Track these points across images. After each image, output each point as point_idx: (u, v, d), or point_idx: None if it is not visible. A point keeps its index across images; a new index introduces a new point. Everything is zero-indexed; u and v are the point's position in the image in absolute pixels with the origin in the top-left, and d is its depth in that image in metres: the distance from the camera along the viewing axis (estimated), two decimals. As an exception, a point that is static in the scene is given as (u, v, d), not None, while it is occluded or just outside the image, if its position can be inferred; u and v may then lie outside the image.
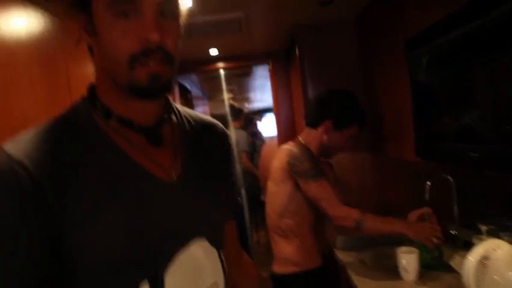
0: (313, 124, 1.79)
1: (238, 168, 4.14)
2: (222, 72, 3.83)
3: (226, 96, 4.52)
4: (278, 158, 1.79)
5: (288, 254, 1.77)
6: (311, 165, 1.67)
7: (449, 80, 1.18)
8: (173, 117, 0.81)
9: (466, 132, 1.11)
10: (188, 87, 3.93)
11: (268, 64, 3.13)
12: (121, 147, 0.68)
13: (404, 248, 1.59)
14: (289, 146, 1.77)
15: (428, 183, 1.82)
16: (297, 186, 1.70)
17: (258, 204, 4.43)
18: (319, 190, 1.65)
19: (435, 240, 1.54)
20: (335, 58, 2.27)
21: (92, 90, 0.72)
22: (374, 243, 1.96)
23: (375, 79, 2.03)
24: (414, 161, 1.53)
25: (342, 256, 1.93)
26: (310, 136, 1.80)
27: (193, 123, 0.85)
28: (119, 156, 0.67)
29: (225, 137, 0.91)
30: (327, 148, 1.79)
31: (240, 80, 4.69)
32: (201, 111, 4.91)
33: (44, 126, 0.66)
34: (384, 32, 1.82)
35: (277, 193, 1.76)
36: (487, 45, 0.95)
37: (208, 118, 0.91)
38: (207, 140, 0.85)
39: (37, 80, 1.17)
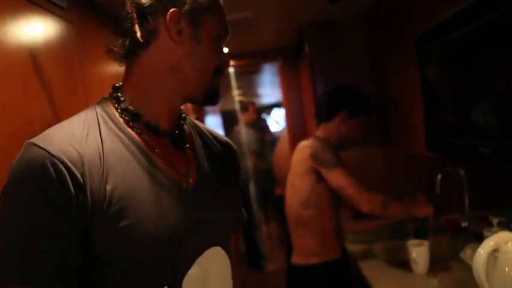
0: (328, 117, 1.87)
1: (249, 166, 4.19)
2: (231, 70, 3.85)
3: (235, 93, 4.54)
4: (299, 152, 1.86)
5: (309, 245, 1.82)
6: (333, 154, 1.73)
7: (460, 74, 1.19)
8: (186, 127, 0.87)
9: (476, 127, 1.12)
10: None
11: (278, 61, 3.15)
12: (145, 149, 0.72)
13: (414, 241, 1.61)
14: (309, 142, 1.84)
15: (439, 176, 1.84)
16: (319, 179, 1.76)
17: (268, 198, 4.47)
18: (344, 178, 1.69)
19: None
20: (344, 54, 2.28)
21: (115, 92, 0.78)
22: (384, 236, 1.99)
23: (385, 73, 2.04)
24: (425, 154, 1.55)
25: (353, 249, 1.95)
26: (328, 130, 1.87)
27: (204, 136, 0.90)
28: (145, 158, 0.71)
29: (233, 153, 0.96)
30: (344, 139, 1.86)
31: (249, 76, 4.71)
32: (211, 108, 4.94)
33: (72, 126, 0.69)
34: (393, 27, 1.82)
35: (300, 185, 1.82)
36: (499, 40, 0.96)
37: (219, 133, 0.97)
38: (216, 153, 0.90)
39: (55, 84, 1.21)
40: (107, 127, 0.71)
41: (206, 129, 0.93)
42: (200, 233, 0.74)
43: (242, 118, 4.45)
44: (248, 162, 4.23)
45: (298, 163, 1.85)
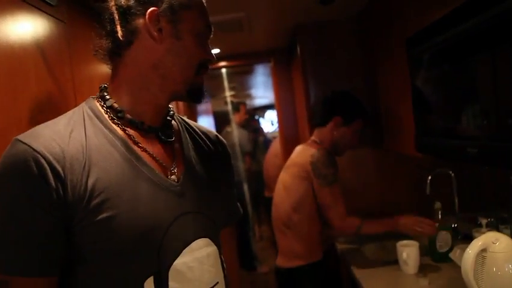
0: (322, 122, 1.88)
1: (241, 168, 4.18)
2: (223, 70, 3.85)
3: (228, 93, 4.53)
4: (300, 156, 1.86)
5: (294, 247, 1.82)
6: (332, 170, 1.76)
7: (450, 76, 1.20)
8: (174, 123, 0.89)
9: (465, 128, 1.13)
10: (191, 85, 3.95)
11: (270, 62, 3.15)
12: (131, 145, 0.75)
13: (404, 242, 1.62)
14: (312, 148, 1.82)
15: (429, 177, 1.85)
16: (313, 186, 1.78)
17: (260, 200, 4.47)
18: (331, 198, 1.74)
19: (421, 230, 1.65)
20: (336, 56, 2.29)
21: (102, 92, 0.80)
22: (375, 237, 2.00)
23: (376, 75, 2.05)
24: (416, 155, 1.56)
25: (343, 249, 1.96)
26: (322, 135, 1.88)
27: (192, 131, 0.91)
28: (129, 154, 0.73)
29: (223, 148, 0.97)
30: (337, 145, 1.87)
31: (241, 77, 4.71)
32: (203, 109, 4.93)
33: (57, 123, 0.73)
34: (384, 29, 1.84)
35: (295, 188, 1.82)
36: (488, 42, 0.97)
37: (207, 128, 0.99)
38: (205, 148, 0.91)
39: (44, 84, 1.20)
40: (92, 124, 0.74)
41: (195, 126, 0.95)
42: (186, 224, 0.76)
43: (234, 119, 4.45)
44: (241, 164, 4.22)
45: (296, 166, 1.84)
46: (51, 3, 1.24)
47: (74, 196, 0.65)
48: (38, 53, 1.19)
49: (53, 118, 0.76)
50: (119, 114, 0.77)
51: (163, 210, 0.73)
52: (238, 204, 1.02)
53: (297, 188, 1.80)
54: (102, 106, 0.78)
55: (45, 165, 0.64)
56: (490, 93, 1.00)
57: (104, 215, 0.66)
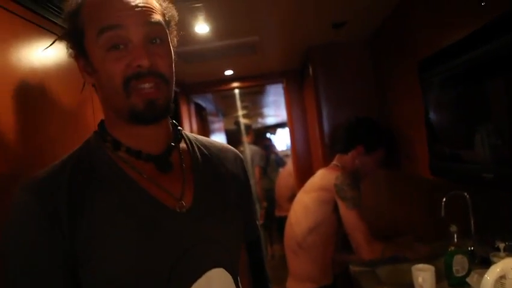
0: (344, 150, 1.87)
1: (252, 183, 4.16)
2: (236, 91, 3.89)
3: (240, 112, 4.58)
4: (323, 178, 1.85)
5: (307, 269, 1.81)
6: (358, 193, 1.74)
7: (462, 100, 1.20)
8: (184, 145, 0.83)
9: (479, 153, 1.13)
10: (203, 104, 4.01)
11: (282, 83, 3.18)
12: (129, 176, 0.71)
13: (420, 265, 1.59)
14: (337, 172, 1.81)
15: (444, 199, 1.83)
16: (334, 210, 1.76)
17: (272, 219, 4.43)
18: (358, 221, 1.71)
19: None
20: (348, 77, 2.31)
21: (102, 125, 0.78)
22: (389, 260, 1.97)
23: (389, 97, 2.05)
24: (430, 178, 1.55)
25: (357, 272, 1.93)
26: (344, 161, 1.87)
27: (205, 151, 0.86)
28: (128, 185, 0.70)
29: (239, 163, 0.91)
30: (358, 172, 1.85)
31: (254, 97, 4.75)
32: (216, 127, 4.97)
33: (59, 163, 0.71)
34: (396, 52, 1.85)
35: (314, 210, 1.81)
36: (501, 66, 0.97)
37: (223, 145, 0.92)
38: (221, 167, 0.85)
39: (65, 106, 1.23)
40: (92, 160, 0.72)
41: (208, 142, 0.90)
42: (196, 256, 0.71)
43: (245, 139, 4.50)
44: (252, 180, 4.23)
45: (319, 189, 1.83)
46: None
47: (72, 237, 0.64)
48: (60, 79, 1.23)
49: (72, 143, 0.75)
50: (115, 146, 0.73)
51: (168, 245, 0.69)
52: (257, 223, 0.96)
53: (317, 210, 1.79)
54: (103, 140, 0.75)
55: (39, 210, 0.64)
56: (504, 118, 1.00)
57: (104, 255, 0.65)
